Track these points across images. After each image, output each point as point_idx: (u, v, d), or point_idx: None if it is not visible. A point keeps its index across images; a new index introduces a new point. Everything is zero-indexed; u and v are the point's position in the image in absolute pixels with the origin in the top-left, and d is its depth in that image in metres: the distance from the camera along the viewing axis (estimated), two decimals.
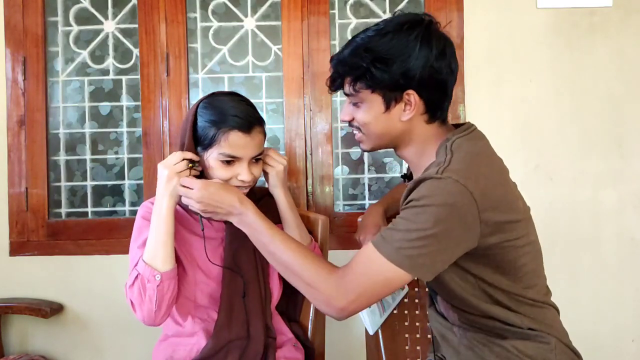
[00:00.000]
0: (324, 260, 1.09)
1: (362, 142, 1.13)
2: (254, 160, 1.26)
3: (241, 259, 1.29)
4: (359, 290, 0.99)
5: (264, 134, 1.29)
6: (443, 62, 1.03)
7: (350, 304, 1.00)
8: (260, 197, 1.37)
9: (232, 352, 1.25)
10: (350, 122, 1.12)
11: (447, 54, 1.04)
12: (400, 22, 1.04)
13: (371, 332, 1.31)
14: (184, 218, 1.31)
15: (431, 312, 1.23)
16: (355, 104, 1.09)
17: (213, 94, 1.31)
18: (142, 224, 1.28)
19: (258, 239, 1.11)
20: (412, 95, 1.03)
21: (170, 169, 1.19)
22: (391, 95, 1.04)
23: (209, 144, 1.23)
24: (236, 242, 1.30)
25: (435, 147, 1.07)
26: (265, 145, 1.96)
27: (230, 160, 1.22)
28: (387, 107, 1.05)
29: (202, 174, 1.26)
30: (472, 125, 1.11)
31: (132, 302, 1.20)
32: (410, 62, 1.01)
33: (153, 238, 1.20)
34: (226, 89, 1.94)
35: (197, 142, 1.24)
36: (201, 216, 1.18)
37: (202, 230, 1.25)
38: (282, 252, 1.07)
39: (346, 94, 1.09)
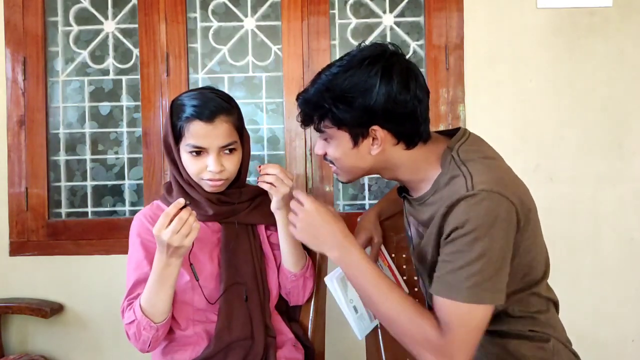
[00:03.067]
0: (427, 313, 1.01)
1: (338, 175, 1.13)
2: (226, 152, 1.23)
3: (238, 260, 1.28)
4: (464, 345, 0.97)
5: (234, 124, 1.23)
6: (407, 94, 1.00)
7: (459, 358, 0.97)
8: (255, 196, 1.34)
9: (232, 353, 1.25)
10: (324, 156, 1.12)
11: (410, 86, 1.00)
12: (362, 58, 1.02)
13: (359, 337, 1.31)
14: None
15: None
16: (325, 139, 1.09)
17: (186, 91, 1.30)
18: (135, 240, 1.27)
19: (359, 282, 1.05)
20: (377, 131, 1.02)
21: (172, 238, 1.07)
22: (357, 131, 1.03)
23: (178, 138, 1.23)
24: (232, 243, 1.29)
25: (433, 161, 1.06)
26: (265, 145, 2.00)
27: (197, 152, 1.21)
28: (355, 143, 1.04)
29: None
30: (465, 129, 1.11)
31: (127, 332, 1.19)
32: (372, 99, 0.99)
33: (154, 289, 1.14)
34: (226, 89, 1.94)
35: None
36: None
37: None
38: (386, 305, 1.02)
39: (316, 130, 1.09)
